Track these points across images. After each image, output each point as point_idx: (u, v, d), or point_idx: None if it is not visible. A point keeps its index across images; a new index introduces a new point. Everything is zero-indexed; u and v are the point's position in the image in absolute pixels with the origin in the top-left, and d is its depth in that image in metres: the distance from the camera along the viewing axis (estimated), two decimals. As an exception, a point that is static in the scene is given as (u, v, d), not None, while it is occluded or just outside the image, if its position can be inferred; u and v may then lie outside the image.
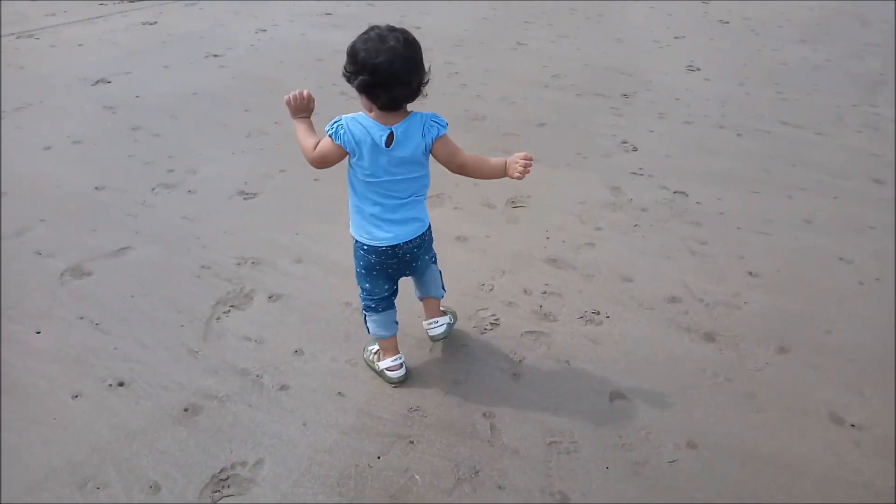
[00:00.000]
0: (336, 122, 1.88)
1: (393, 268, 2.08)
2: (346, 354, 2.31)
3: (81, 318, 2.43)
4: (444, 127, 1.93)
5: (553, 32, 6.24)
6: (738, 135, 4.18)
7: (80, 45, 5.47)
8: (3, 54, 5.14)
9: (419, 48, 1.84)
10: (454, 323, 2.42)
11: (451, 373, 2.25)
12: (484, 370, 2.26)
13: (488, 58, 5.46)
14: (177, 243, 2.90)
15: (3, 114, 4.11)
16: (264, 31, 6.04)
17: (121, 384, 2.14)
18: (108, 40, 5.59)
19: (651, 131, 4.17)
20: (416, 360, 2.29)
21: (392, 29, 1.83)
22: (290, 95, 1.97)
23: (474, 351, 2.34)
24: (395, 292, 2.18)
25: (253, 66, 5.12)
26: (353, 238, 2.04)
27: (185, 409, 2.06)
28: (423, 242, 2.09)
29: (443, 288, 2.31)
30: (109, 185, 3.36)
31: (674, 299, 2.64)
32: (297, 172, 3.50)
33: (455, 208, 3.26)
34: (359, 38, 1.83)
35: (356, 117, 1.87)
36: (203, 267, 2.74)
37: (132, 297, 2.56)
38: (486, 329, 2.45)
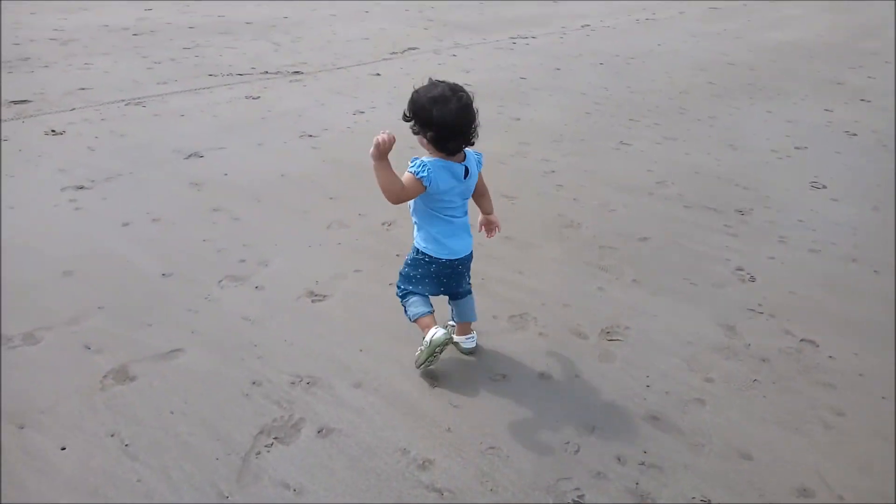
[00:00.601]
0: (421, 163, 2.25)
1: (446, 276, 2.49)
2: (396, 523, 1.94)
3: (112, 436, 2.18)
4: (482, 161, 2.44)
5: (660, 133, 5.87)
6: (875, 272, 3.62)
7: (181, 115, 5.56)
8: (110, 121, 5.27)
9: (473, 104, 2.25)
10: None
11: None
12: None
13: (588, 157, 5.15)
14: (232, 350, 2.65)
15: (93, 184, 4.10)
16: (362, 112, 5.99)
17: (134, 532, 1.85)
18: (209, 112, 5.66)
19: (771, 258, 3.68)
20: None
21: (454, 89, 2.22)
22: (381, 138, 2.20)
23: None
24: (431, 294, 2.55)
25: (345, 151, 5.00)
26: (418, 252, 2.46)
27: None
28: (469, 259, 2.53)
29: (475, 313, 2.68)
30: (177, 272, 3.19)
31: (804, 492, 2.12)
32: (372, 275, 3.24)
33: (540, 334, 2.88)
34: (423, 93, 2.24)
35: (433, 160, 2.28)
36: (254, 383, 2.46)
37: (171, 413, 2.30)
38: (567, 508, 2.02)
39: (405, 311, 2.54)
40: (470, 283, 2.63)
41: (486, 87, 7.02)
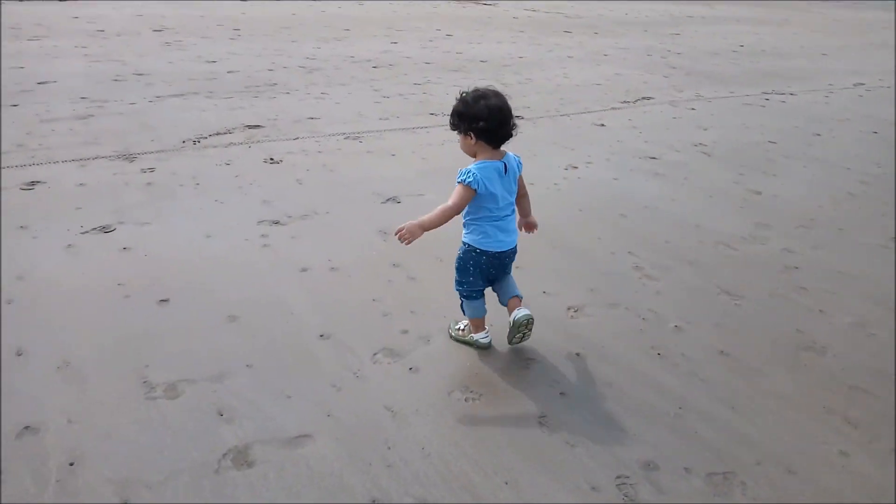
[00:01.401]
0: (466, 171, 2.58)
1: (495, 268, 2.78)
2: None
3: (204, 538, 1.92)
4: (522, 164, 2.75)
5: (950, 231, 4.61)
6: None
7: (392, 154, 5.50)
8: (325, 154, 5.36)
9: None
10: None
11: None
12: None
13: (845, 255, 4.13)
14: (361, 449, 2.30)
15: (288, 220, 4.09)
16: (575, 168, 5.50)
17: None
18: (419, 154, 5.55)
19: None
20: None
21: (487, 90, 2.57)
22: (407, 241, 2.56)
23: None
24: (483, 289, 2.84)
25: (548, 211, 4.53)
26: (468, 245, 2.73)
27: None
28: (515, 251, 2.82)
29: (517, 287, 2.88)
30: (336, 335, 2.95)
31: None
32: (542, 375, 2.73)
33: (747, 508, 2.15)
34: (462, 102, 2.58)
35: (476, 164, 2.60)
36: (374, 503, 2.08)
37: (273, 522, 1.99)
38: None
39: (462, 306, 2.90)
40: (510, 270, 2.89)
41: (725, 148, 6.15)
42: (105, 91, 6.51)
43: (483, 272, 2.77)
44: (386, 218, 4.21)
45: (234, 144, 5.35)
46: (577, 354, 2.93)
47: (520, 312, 2.76)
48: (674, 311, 3.34)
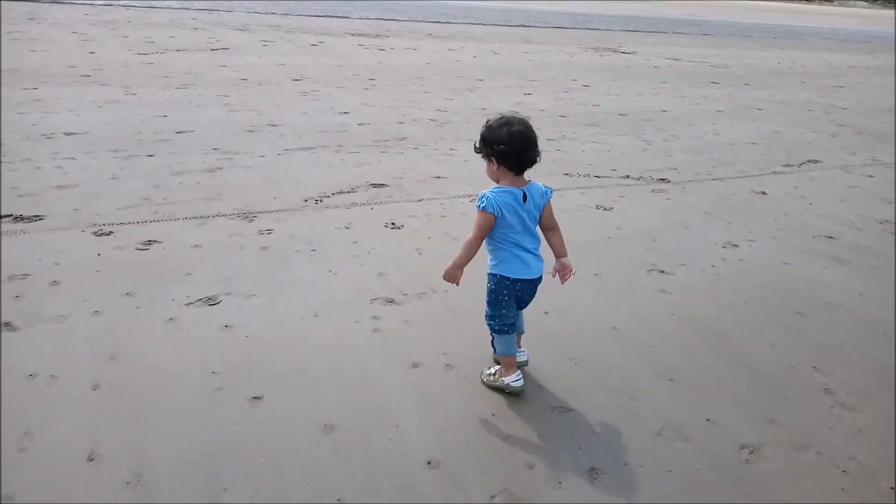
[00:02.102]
0: (482, 196, 2.61)
1: (528, 293, 2.77)
2: None
3: None
4: (551, 194, 2.70)
5: None
6: None
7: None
8: (448, 220, 4.94)
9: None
10: None
11: None
12: None
13: None
14: None
15: (404, 299, 3.66)
16: (735, 246, 4.73)
17: None
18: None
19: None
20: None
21: (512, 118, 2.64)
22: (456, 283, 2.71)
23: None
24: (514, 322, 2.82)
25: (702, 302, 3.84)
26: (499, 276, 2.71)
27: None
28: (539, 282, 2.76)
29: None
30: (444, 465, 2.43)
31: None
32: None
33: None
34: (487, 127, 2.65)
35: (492, 189, 2.63)
36: None
37: None
38: None
39: (493, 342, 2.90)
40: None
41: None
42: (238, 142, 6.51)
43: (517, 299, 2.78)
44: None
45: (357, 205, 5.06)
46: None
47: (521, 356, 2.96)
48: (883, 462, 2.55)
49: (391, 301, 3.64)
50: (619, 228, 4.93)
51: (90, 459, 2.34)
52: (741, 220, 5.30)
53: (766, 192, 6.11)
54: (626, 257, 4.42)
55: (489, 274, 2.75)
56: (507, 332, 2.79)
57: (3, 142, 5.89)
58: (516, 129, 2.57)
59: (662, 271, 4.22)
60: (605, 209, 5.35)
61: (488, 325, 2.83)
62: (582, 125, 8.49)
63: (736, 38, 26.21)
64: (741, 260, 4.50)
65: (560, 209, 5.26)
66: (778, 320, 3.68)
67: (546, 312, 3.57)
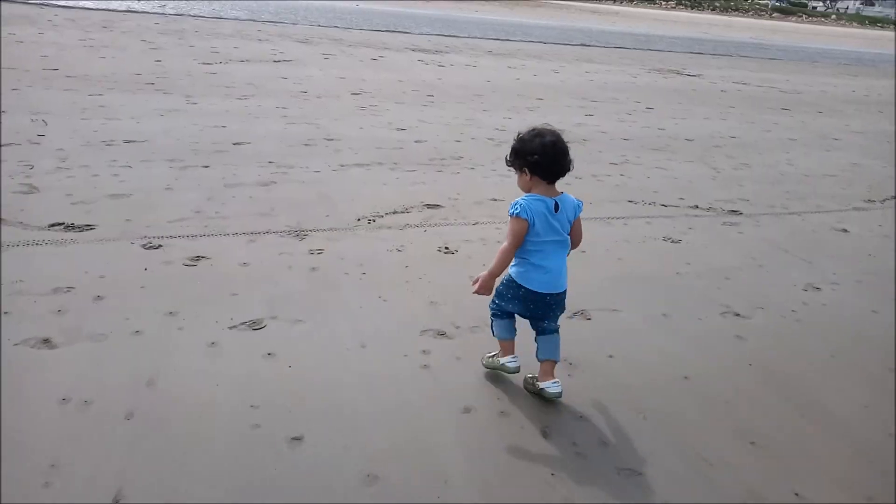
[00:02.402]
0: (514, 203, 2.65)
1: (537, 306, 2.77)
2: None
3: None
4: (582, 207, 2.78)
5: None
6: None
7: (581, 251, 4.70)
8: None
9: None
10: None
11: None
12: None
13: None
14: None
15: (457, 332, 3.43)
16: (817, 289, 4.35)
17: None
18: (615, 254, 4.70)
19: None
20: None
21: (544, 129, 2.69)
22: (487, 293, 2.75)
23: None
24: (516, 316, 2.90)
25: (781, 351, 3.50)
26: (510, 277, 2.78)
27: None
28: (563, 298, 2.81)
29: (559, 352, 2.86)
30: (498, 528, 2.18)
31: None
32: None
33: None
34: (519, 140, 2.71)
35: (524, 197, 2.68)
36: None
37: None
38: None
39: (491, 325, 2.97)
40: (558, 322, 2.87)
41: None
42: (293, 156, 6.42)
43: (523, 304, 2.79)
44: (569, 342, 3.38)
45: (410, 226, 4.87)
46: None
47: (553, 388, 2.79)
48: None
49: (442, 334, 3.41)
50: (688, 263, 4.61)
51: (116, 502, 2.17)
52: (822, 259, 4.90)
53: (848, 229, 5.68)
54: (698, 296, 4.09)
55: (508, 272, 2.81)
56: (502, 317, 2.91)
57: (64, 147, 5.92)
58: (549, 140, 2.63)
59: (738, 314, 3.88)
60: (672, 241, 5.02)
61: (489, 307, 2.95)
62: (646, 149, 8.15)
63: (805, 63, 25.29)
64: (824, 305, 4.13)
65: (625, 239, 5.01)
66: (870, 378, 3.31)
67: (611, 356, 3.29)
